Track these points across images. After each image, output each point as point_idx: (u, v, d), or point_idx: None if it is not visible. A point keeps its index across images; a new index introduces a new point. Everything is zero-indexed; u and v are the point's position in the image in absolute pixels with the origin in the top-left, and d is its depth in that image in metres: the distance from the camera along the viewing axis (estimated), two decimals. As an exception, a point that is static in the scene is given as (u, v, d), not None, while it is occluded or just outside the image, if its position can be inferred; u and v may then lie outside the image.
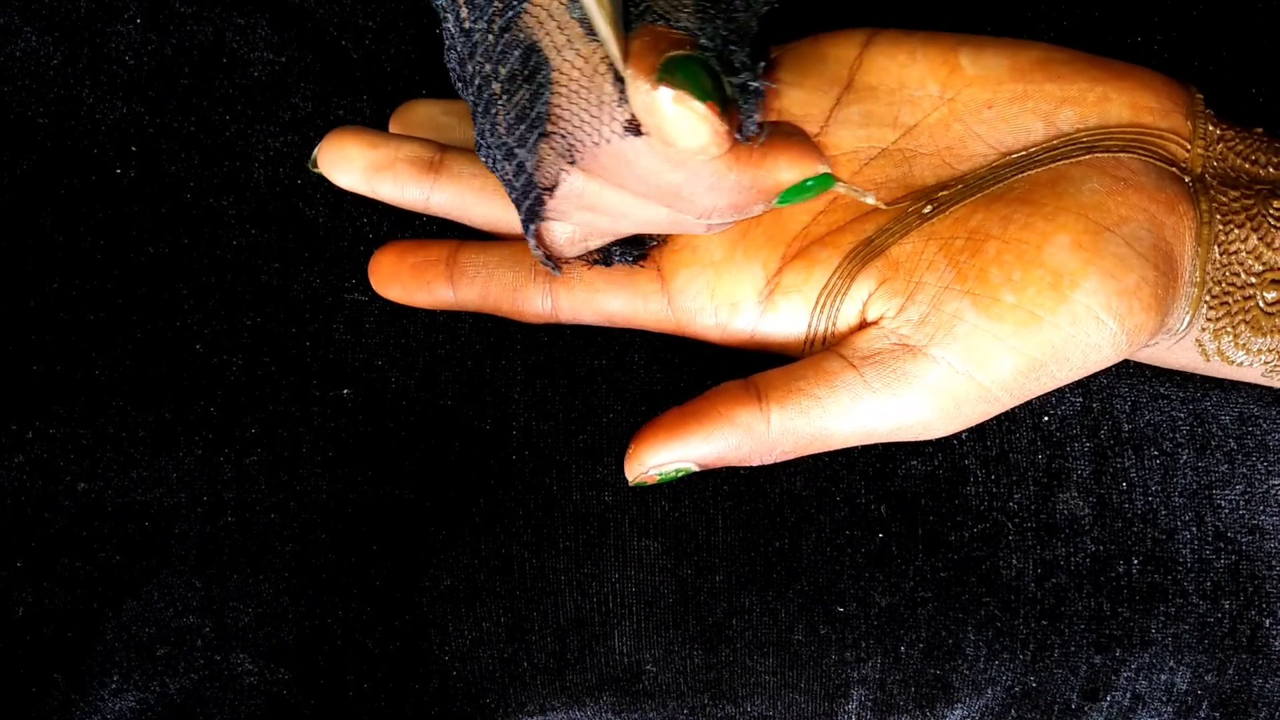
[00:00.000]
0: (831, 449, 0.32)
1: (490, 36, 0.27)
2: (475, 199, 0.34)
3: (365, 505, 0.34)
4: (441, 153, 0.35)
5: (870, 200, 0.30)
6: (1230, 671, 0.34)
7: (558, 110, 0.26)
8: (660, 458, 0.31)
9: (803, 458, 0.34)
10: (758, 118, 0.25)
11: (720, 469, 0.34)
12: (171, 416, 0.35)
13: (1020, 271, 0.30)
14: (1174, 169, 0.31)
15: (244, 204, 0.36)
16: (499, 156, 0.29)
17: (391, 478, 0.34)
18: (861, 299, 0.31)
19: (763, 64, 0.25)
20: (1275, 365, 0.32)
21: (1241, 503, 0.34)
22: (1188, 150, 0.31)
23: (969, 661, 0.34)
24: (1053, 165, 0.31)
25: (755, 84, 0.25)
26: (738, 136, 0.25)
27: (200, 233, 0.36)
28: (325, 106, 0.37)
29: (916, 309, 0.31)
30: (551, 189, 0.28)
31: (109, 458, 0.34)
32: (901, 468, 0.34)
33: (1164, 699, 0.35)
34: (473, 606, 0.34)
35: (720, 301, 0.33)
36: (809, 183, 0.27)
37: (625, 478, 0.33)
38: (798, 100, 0.33)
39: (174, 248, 0.36)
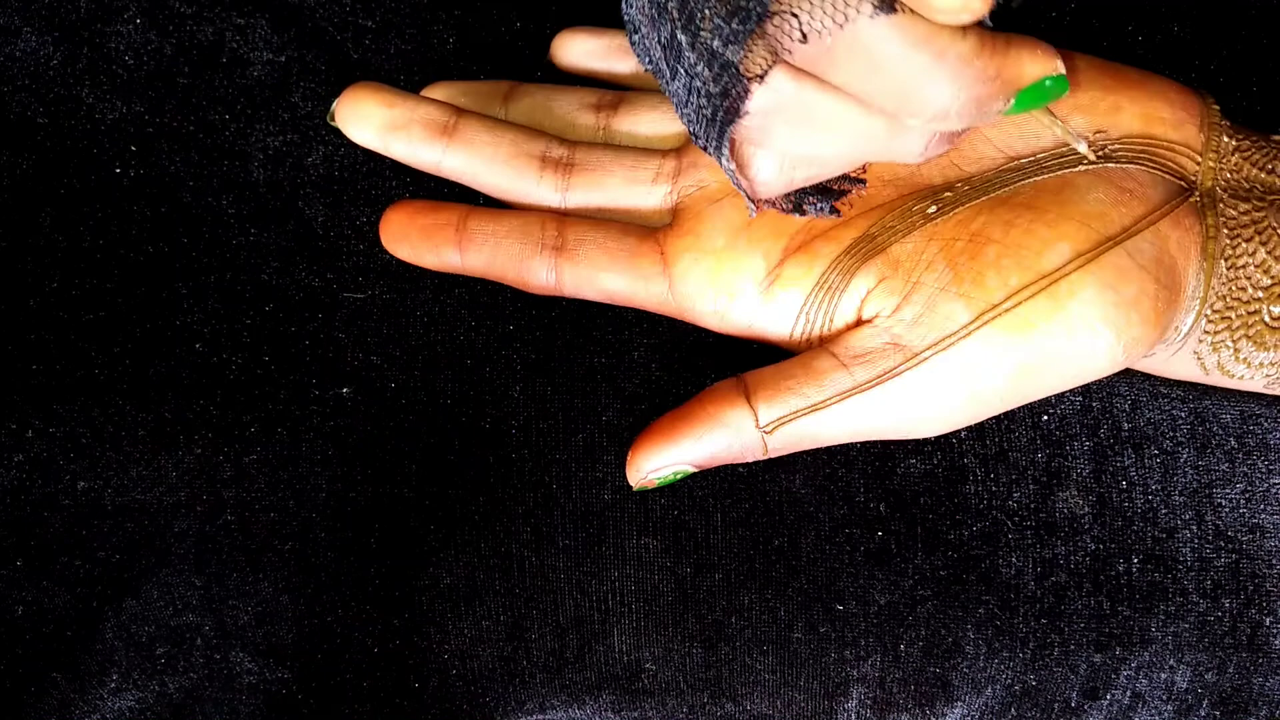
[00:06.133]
0: (822, 445, 0.32)
1: None
2: (486, 165, 0.35)
3: (364, 504, 0.34)
4: (457, 117, 0.35)
5: (1082, 148, 0.29)
6: (1230, 670, 0.34)
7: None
8: (655, 462, 0.31)
9: (802, 456, 0.34)
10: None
11: (720, 468, 0.34)
12: (171, 415, 0.35)
13: (1017, 277, 0.29)
14: (1182, 183, 0.31)
15: (244, 204, 0.36)
16: (693, 69, 0.27)
17: (391, 477, 0.34)
18: (859, 296, 0.31)
19: None
20: (1277, 378, 0.32)
21: (1242, 501, 0.34)
22: (1198, 164, 0.31)
23: (969, 660, 0.34)
24: (1060, 173, 0.31)
25: None
26: (986, 22, 0.23)
27: (200, 232, 0.36)
28: (325, 106, 0.37)
29: (911, 309, 0.30)
30: (759, 79, 0.26)
31: (108, 457, 0.34)
32: (901, 466, 0.34)
33: (1164, 697, 0.35)
34: (472, 605, 0.34)
35: (720, 289, 0.33)
36: (1047, 82, 0.26)
37: (626, 478, 0.33)
38: None
39: (174, 247, 0.36)
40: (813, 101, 0.26)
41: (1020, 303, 0.29)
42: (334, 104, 0.35)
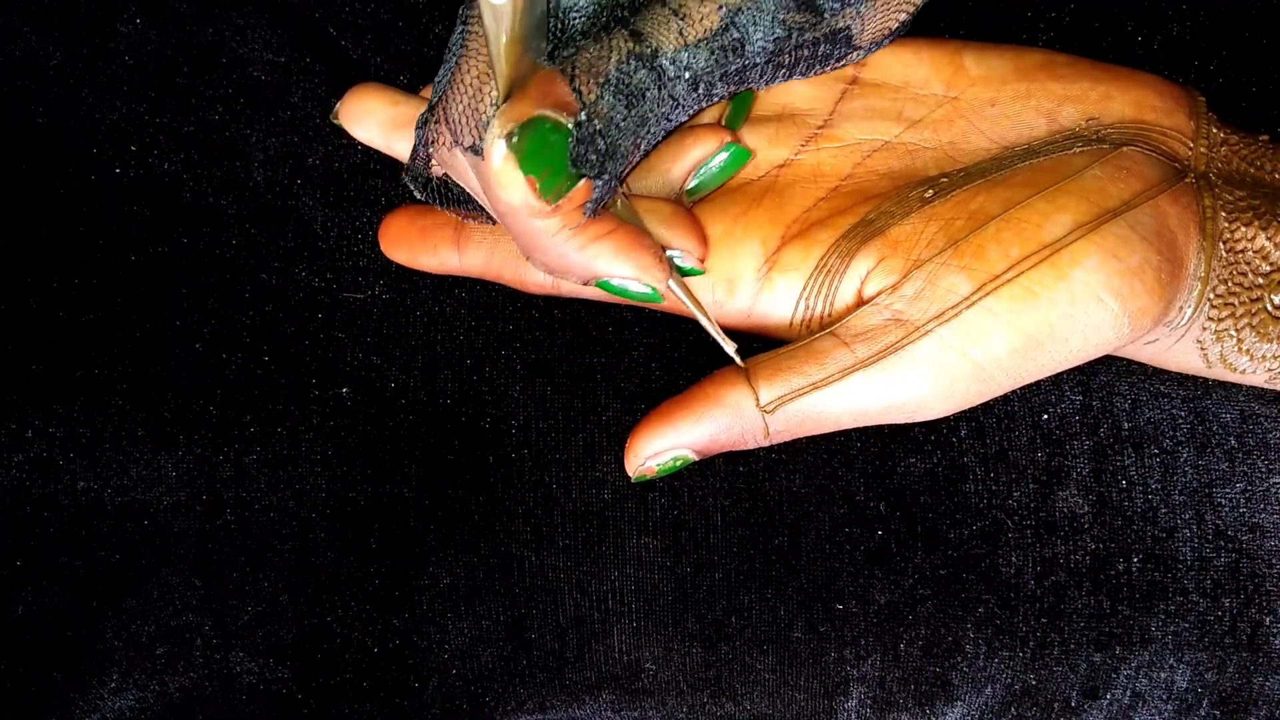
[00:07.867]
0: (825, 429, 0.32)
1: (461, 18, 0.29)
2: None
3: (364, 504, 0.34)
4: None
5: (729, 349, 0.31)
6: (1230, 669, 0.34)
7: (442, 100, 0.27)
8: (654, 446, 0.31)
9: (802, 455, 0.34)
10: (598, 210, 0.27)
11: (719, 466, 0.34)
12: (171, 415, 0.35)
13: (1019, 248, 0.29)
14: (1176, 164, 0.31)
15: (243, 204, 0.36)
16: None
17: (391, 476, 0.34)
18: (859, 277, 0.31)
19: (627, 168, 0.26)
20: (1279, 371, 0.32)
21: (1242, 501, 0.34)
22: (1190, 148, 0.31)
23: (969, 659, 0.34)
24: (1055, 155, 0.31)
25: (607, 182, 0.26)
26: (587, 210, 0.26)
27: (200, 232, 0.36)
28: (325, 107, 0.37)
29: (912, 285, 0.30)
30: (426, 147, 0.29)
31: (108, 457, 0.34)
32: (901, 465, 0.34)
33: (1164, 697, 0.35)
34: (472, 605, 0.34)
35: (718, 278, 0.33)
36: (630, 286, 0.28)
37: (626, 475, 0.33)
38: (803, 94, 0.33)
39: (173, 247, 0.36)
40: (466, 175, 0.28)
41: (1023, 272, 0.29)
42: (337, 103, 0.35)
